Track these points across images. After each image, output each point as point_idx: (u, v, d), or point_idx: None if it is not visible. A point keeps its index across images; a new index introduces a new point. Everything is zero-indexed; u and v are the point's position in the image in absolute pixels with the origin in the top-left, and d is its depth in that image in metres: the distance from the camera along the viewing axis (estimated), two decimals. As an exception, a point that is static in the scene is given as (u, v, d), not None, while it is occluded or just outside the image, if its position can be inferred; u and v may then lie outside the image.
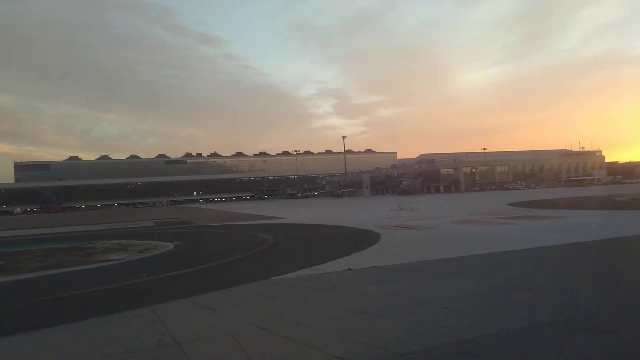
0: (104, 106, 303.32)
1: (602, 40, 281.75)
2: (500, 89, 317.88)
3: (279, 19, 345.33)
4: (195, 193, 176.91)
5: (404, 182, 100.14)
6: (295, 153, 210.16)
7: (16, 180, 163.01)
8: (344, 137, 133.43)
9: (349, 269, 12.49)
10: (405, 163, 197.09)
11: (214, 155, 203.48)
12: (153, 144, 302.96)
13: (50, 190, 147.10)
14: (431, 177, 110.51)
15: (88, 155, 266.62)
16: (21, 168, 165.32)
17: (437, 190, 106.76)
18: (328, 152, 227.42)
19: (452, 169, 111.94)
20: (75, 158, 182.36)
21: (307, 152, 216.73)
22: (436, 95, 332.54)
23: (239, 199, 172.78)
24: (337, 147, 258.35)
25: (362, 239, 19.85)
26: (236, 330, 7.45)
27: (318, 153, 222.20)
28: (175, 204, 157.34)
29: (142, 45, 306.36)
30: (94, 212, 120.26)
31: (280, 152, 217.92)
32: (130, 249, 21.39)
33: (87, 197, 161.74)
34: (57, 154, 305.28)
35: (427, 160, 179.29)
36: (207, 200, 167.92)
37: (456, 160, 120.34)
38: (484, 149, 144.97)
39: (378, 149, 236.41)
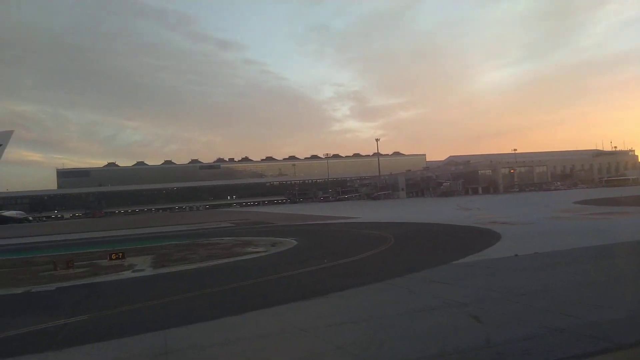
0: (127, 113, 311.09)
1: (627, 36, 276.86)
2: (522, 88, 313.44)
3: (297, 23, 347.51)
4: (228, 197, 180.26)
5: (444, 184, 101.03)
6: (324, 157, 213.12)
7: (59, 186, 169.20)
8: (377, 140, 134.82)
9: (516, 255, 14.14)
10: (434, 165, 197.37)
11: (245, 160, 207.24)
12: (175, 150, 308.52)
13: (93, 195, 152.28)
14: (469, 178, 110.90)
15: (110, 160, 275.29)
16: (63, 175, 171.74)
17: (475, 192, 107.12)
18: (356, 155, 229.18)
19: (490, 170, 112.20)
20: (113, 164, 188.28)
21: (336, 156, 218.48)
22: (456, 96, 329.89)
23: (270, 202, 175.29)
24: (354, 150, 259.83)
25: (482, 233, 21.46)
26: (493, 296, 9.23)
27: (346, 156, 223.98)
28: (210, 208, 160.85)
29: (164, 52, 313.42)
30: (140, 216, 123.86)
31: (309, 156, 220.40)
32: (258, 244, 23.45)
33: (126, 202, 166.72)
34: (81, 161, 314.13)
35: (456, 162, 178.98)
36: (240, 205, 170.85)
37: (492, 161, 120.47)
38: (514, 150, 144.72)
39: (391, 150, 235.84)
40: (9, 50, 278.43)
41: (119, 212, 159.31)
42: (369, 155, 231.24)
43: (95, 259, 21.04)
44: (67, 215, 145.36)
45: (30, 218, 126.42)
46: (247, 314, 9.14)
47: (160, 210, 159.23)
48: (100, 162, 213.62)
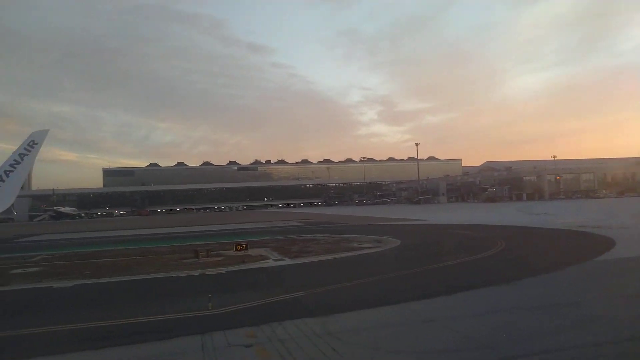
0: (159, 115, 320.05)
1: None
2: (557, 93, 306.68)
3: (326, 27, 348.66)
4: (265, 199, 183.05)
5: (490, 190, 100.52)
6: (359, 160, 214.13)
7: (104, 185, 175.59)
8: (417, 144, 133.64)
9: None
10: (471, 171, 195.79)
11: (281, 162, 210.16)
12: (204, 152, 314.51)
13: (138, 194, 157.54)
14: (512, 184, 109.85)
15: (142, 162, 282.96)
16: (109, 174, 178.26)
17: (519, 198, 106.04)
18: (390, 159, 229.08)
19: (535, 177, 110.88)
20: (155, 164, 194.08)
21: (370, 159, 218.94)
22: (487, 101, 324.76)
23: (305, 204, 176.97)
24: (382, 154, 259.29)
25: (586, 235, 22.17)
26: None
27: (380, 160, 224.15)
28: (248, 208, 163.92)
29: (195, 56, 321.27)
30: (191, 215, 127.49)
31: (344, 159, 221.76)
32: (361, 241, 24.77)
33: (167, 201, 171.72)
34: (115, 162, 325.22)
35: (492, 168, 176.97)
36: (277, 206, 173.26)
37: (536, 167, 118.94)
38: (554, 156, 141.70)
39: (423, 155, 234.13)
40: (50, 53, 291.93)
41: (161, 210, 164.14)
42: (403, 160, 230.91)
43: (217, 250, 22.74)
44: (112, 212, 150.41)
45: (83, 214, 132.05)
46: (457, 294, 10.49)
47: (202, 210, 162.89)
48: (133, 162, 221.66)
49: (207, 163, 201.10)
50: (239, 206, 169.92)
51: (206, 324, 8.95)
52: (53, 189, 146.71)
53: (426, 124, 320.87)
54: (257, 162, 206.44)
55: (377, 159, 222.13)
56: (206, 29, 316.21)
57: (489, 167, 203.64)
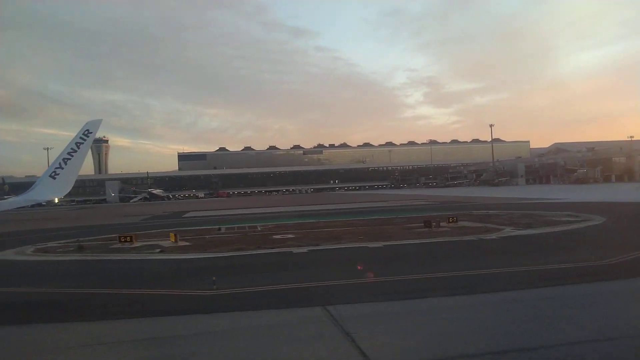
0: (206, 101, 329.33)
1: None
2: (617, 70, 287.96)
3: (370, 8, 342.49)
4: (331, 182, 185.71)
5: (580, 171, 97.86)
6: (421, 143, 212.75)
7: (179, 168, 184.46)
8: (491, 126, 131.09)
9: None
10: (537, 153, 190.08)
11: (344, 145, 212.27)
12: (249, 136, 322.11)
13: (216, 177, 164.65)
14: (600, 165, 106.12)
15: (190, 147, 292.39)
16: (183, 158, 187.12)
17: (607, 180, 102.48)
18: (454, 141, 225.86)
19: (624, 158, 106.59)
20: (223, 149, 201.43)
21: (433, 142, 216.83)
22: (541, 80, 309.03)
23: (371, 187, 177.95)
24: (424, 137, 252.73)
25: None
26: None
27: (443, 142, 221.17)
28: (315, 191, 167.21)
29: (240, 42, 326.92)
30: (271, 197, 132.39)
31: (406, 142, 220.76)
32: (560, 217, 26.07)
33: (237, 184, 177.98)
34: (164, 147, 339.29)
35: (562, 149, 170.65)
36: (344, 189, 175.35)
37: (623, 148, 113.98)
38: (631, 137, 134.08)
39: (467, 138, 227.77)
40: (101, 44, 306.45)
41: (233, 193, 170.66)
42: (466, 142, 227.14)
43: (415, 223, 24.70)
44: (197, 195, 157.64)
45: (171, 196, 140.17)
46: None
47: (275, 192, 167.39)
48: (181, 148, 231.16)
49: (272, 147, 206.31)
50: (308, 189, 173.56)
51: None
52: (147, 172, 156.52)
53: (475, 106, 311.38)
54: (320, 146, 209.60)
55: (440, 142, 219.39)
56: (250, 14, 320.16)
57: (558, 148, 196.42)
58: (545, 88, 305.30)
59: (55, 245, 22.40)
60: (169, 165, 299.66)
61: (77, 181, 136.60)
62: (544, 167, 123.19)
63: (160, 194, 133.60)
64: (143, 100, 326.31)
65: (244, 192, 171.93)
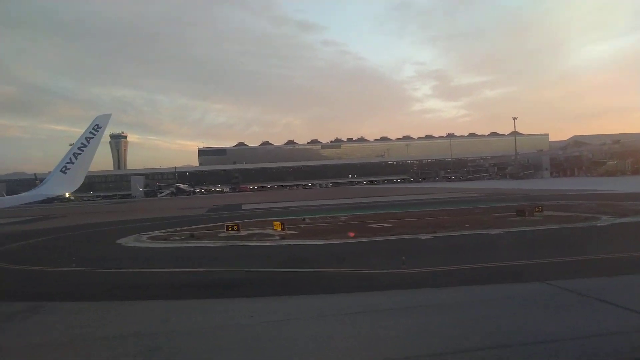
0: (213, 97, 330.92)
1: None
2: (629, 63, 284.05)
3: (377, 1, 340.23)
4: (350, 176, 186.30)
5: (609, 163, 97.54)
6: (439, 137, 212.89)
7: (200, 163, 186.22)
8: (514, 119, 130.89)
9: None
10: (556, 146, 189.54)
11: (361, 139, 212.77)
12: (253, 132, 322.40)
13: (238, 172, 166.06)
14: (630, 158, 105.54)
15: (198, 143, 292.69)
16: (203, 153, 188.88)
17: (636, 172, 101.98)
18: (472, 134, 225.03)
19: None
20: (242, 144, 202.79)
21: (451, 135, 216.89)
22: (550, 73, 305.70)
23: (390, 181, 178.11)
24: (437, 131, 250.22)
25: None
26: None
27: (460, 135, 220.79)
28: (334, 186, 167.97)
29: (247, 38, 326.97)
30: (295, 191, 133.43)
31: (423, 136, 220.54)
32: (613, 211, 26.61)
33: (257, 178, 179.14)
34: (172, 142, 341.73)
35: (581, 143, 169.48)
36: (363, 183, 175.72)
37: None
38: None
39: (477, 130, 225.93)
40: (109, 41, 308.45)
41: (254, 187, 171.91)
42: (484, 135, 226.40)
43: (494, 213, 25.35)
44: (221, 189, 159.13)
45: (196, 190, 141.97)
46: None
47: (295, 187, 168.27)
48: (190, 144, 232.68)
49: (290, 142, 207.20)
50: (327, 183, 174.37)
51: None
52: (175, 167, 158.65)
53: (484, 99, 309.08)
54: (337, 140, 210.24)
55: (458, 135, 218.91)
56: (256, 10, 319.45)
57: (577, 141, 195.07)
58: (555, 81, 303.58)
59: (161, 234, 23.35)
60: (177, 160, 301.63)
61: (99, 176, 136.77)
62: (569, 160, 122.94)
63: (186, 188, 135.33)
64: (151, 96, 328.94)
65: (264, 187, 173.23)
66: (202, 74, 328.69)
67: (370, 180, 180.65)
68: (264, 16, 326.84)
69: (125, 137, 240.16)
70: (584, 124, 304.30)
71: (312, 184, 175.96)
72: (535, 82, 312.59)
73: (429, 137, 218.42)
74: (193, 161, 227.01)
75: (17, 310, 8.93)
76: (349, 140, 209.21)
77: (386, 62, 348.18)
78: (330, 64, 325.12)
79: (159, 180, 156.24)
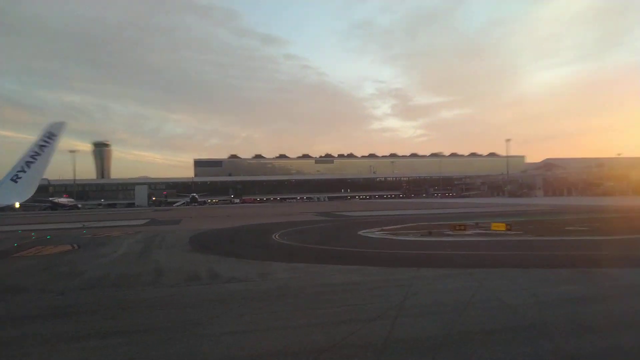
0: (171, 107, 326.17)
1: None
2: (576, 89, 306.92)
3: (340, 19, 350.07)
4: (342, 190, 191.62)
5: (607, 184, 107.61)
6: (427, 155, 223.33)
7: (196, 174, 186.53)
8: (507, 140, 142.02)
9: None
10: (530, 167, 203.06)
11: (350, 156, 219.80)
12: (214, 145, 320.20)
13: (240, 184, 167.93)
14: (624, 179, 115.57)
15: (153, 154, 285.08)
16: (200, 164, 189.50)
17: (624, 193, 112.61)
18: (453, 154, 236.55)
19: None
20: (235, 156, 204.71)
21: (434, 155, 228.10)
22: (503, 96, 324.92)
23: (380, 197, 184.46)
24: (390, 149, 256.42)
25: None
26: None
27: (441, 155, 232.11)
28: (330, 199, 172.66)
29: (209, 47, 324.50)
30: (305, 203, 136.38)
31: (409, 154, 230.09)
32: None
33: (253, 191, 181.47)
34: (127, 152, 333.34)
35: (554, 165, 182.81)
36: (355, 197, 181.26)
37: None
38: (619, 154, 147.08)
39: (434, 150, 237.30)
40: (61, 43, 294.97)
41: (255, 199, 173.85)
42: (464, 156, 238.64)
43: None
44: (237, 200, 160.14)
45: (208, 200, 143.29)
46: None
47: (293, 199, 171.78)
48: (146, 154, 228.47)
49: (282, 156, 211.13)
50: (324, 197, 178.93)
51: None
52: (192, 178, 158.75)
53: (440, 119, 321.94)
54: (328, 156, 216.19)
55: (446, 154, 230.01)
56: (220, 20, 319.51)
57: (549, 163, 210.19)
58: (508, 104, 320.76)
59: (389, 230, 27.42)
60: (133, 170, 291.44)
61: (90, 185, 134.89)
62: (558, 181, 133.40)
63: (198, 198, 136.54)
64: (104, 103, 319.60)
65: (259, 199, 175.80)
66: (160, 82, 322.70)
67: (364, 195, 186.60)
68: (227, 27, 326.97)
69: (109, 145, 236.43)
70: (535, 146, 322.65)
71: (307, 197, 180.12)
72: (488, 105, 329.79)
73: (413, 155, 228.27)
74: (149, 172, 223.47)
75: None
76: (340, 156, 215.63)
77: (348, 78, 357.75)
78: (292, 78, 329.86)
79: (155, 191, 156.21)
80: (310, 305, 9.89)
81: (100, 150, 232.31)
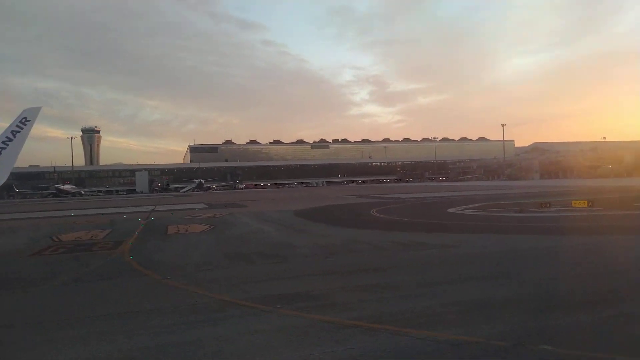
0: (147, 93, 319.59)
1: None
2: (551, 75, 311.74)
3: (319, 5, 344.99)
4: (339, 175, 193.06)
5: (605, 167, 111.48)
6: (421, 140, 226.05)
7: (191, 160, 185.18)
8: (503, 125, 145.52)
9: None
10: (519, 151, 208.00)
11: (345, 141, 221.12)
12: (193, 130, 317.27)
13: (241, 169, 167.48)
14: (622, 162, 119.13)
15: (129, 140, 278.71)
16: (195, 150, 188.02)
17: (630, 175, 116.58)
18: (445, 139, 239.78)
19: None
20: (230, 142, 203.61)
21: (425, 139, 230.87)
22: (480, 82, 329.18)
23: (376, 181, 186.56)
24: (374, 136, 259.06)
25: None
26: None
27: (434, 139, 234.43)
28: (328, 184, 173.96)
29: (184, 32, 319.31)
30: (313, 188, 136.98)
31: (401, 139, 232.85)
32: None
33: (250, 176, 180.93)
34: (103, 139, 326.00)
35: (543, 149, 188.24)
36: (352, 182, 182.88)
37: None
38: (604, 138, 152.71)
39: (414, 137, 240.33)
40: (34, 27, 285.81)
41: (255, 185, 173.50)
42: (454, 140, 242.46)
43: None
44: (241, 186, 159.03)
45: (215, 186, 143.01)
46: None
47: (293, 185, 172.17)
48: (122, 141, 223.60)
49: (277, 141, 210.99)
50: (322, 182, 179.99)
51: None
52: (199, 163, 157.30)
53: (418, 105, 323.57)
54: (323, 141, 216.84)
55: (439, 138, 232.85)
56: (195, 4, 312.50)
57: (537, 147, 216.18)
58: (484, 90, 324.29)
59: (474, 208, 28.87)
60: (112, 157, 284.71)
61: (86, 171, 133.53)
62: (554, 164, 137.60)
63: (204, 185, 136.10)
64: (78, 89, 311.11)
65: (257, 185, 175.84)
66: (136, 67, 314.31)
67: (360, 180, 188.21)
68: (203, 11, 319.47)
69: (98, 131, 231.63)
70: (511, 130, 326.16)
71: (305, 182, 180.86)
72: (465, 90, 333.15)
73: (406, 140, 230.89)
74: (123, 159, 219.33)
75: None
76: (335, 141, 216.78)
77: (326, 65, 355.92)
78: (270, 64, 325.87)
79: (153, 177, 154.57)
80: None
81: (90, 136, 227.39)
